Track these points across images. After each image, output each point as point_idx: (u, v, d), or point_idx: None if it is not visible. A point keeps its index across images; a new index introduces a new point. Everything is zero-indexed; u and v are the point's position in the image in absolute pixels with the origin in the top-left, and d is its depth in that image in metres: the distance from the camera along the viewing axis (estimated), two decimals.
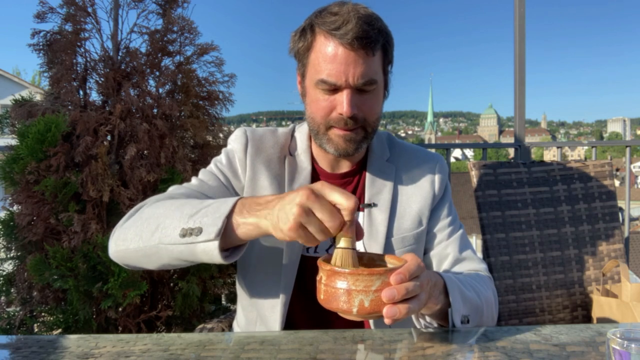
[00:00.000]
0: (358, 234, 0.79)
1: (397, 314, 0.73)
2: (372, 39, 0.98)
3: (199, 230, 0.82)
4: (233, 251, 0.87)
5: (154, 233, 0.88)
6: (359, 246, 1.08)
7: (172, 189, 1.06)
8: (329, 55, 0.99)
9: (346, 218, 0.74)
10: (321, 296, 0.77)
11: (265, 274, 1.10)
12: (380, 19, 1.03)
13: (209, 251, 0.82)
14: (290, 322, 1.09)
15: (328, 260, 0.79)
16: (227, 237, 0.83)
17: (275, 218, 0.77)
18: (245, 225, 0.82)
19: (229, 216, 0.82)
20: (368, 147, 1.17)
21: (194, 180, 1.11)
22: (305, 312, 1.08)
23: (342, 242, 0.77)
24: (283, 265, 1.08)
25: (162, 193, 1.04)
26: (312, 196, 0.74)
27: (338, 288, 0.74)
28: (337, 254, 0.77)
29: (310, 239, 0.76)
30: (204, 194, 1.05)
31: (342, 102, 1.00)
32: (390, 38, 1.06)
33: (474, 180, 1.93)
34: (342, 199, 0.74)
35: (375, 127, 1.08)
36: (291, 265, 1.08)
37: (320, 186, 0.76)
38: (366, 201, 1.11)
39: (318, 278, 0.79)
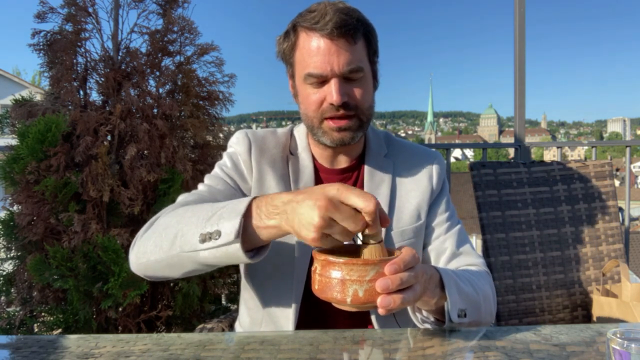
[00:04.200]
0: (383, 222, 0.77)
1: (392, 304, 0.73)
2: (352, 27, 1.00)
3: (218, 234, 0.81)
4: (257, 251, 0.86)
5: (174, 242, 0.88)
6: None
7: (183, 197, 1.06)
8: (313, 49, 1.01)
9: (368, 219, 0.73)
10: (315, 286, 0.77)
11: (275, 273, 1.10)
12: (358, 10, 1.05)
13: (232, 253, 0.81)
14: (300, 320, 1.09)
15: (323, 251, 0.78)
16: (247, 238, 0.83)
17: (296, 226, 0.76)
18: (267, 229, 0.81)
19: (245, 216, 0.82)
20: (366, 144, 1.18)
21: (200, 186, 1.11)
22: (315, 309, 1.08)
23: (368, 238, 0.76)
24: (295, 263, 1.08)
25: (175, 203, 1.03)
26: (330, 206, 0.72)
27: (332, 278, 0.74)
28: (365, 252, 0.77)
29: (334, 244, 0.76)
30: (214, 198, 1.05)
31: (331, 92, 1.01)
32: (372, 28, 1.07)
33: (474, 180, 1.93)
34: (361, 203, 0.72)
35: (369, 116, 1.09)
36: (302, 263, 1.08)
37: (337, 191, 0.74)
38: None
39: (313, 268, 0.78)
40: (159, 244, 0.91)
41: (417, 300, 0.79)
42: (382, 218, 0.77)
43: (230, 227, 0.80)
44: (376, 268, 0.73)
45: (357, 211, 0.73)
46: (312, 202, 0.73)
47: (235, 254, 0.81)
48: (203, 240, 0.83)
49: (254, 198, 0.84)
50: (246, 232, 0.82)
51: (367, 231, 0.75)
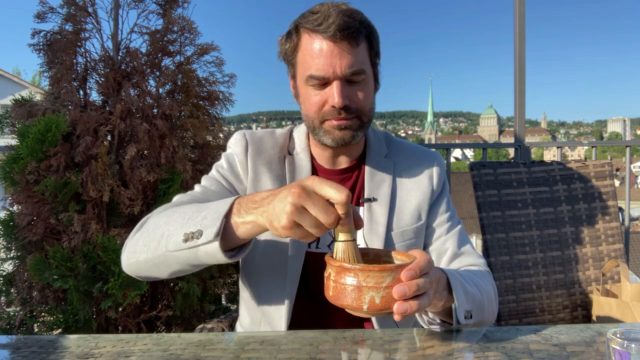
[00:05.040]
0: (357, 223, 0.78)
1: (408, 310, 0.73)
2: (355, 30, 1.00)
3: (200, 233, 0.82)
4: (239, 250, 0.87)
5: (160, 242, 0.89)
6: (359, 238, 1.08)
7: (177, 198, 1.07)
8: (315, 50, 1.01)
9: (340, 212, 0.73)
10: (330, 293, 0.76)
11: (269, 272, 1.10)
12: (361, 12, 1.05)
13: (212, 253, 0.82)
14: (295, 319, 1.09)
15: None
16: (229, 237, 0.83)
17: (270, 216, 0.77)
18: (245, 225, 0.82)
19: (228, 215, 0.82)
20: (366, 144, 1.18)
21: (197, 187, 1.12)
22: (310, 308, 1.09)
23: (341, 236, 0.76)
24: (288, 262, 1.08)
25: (168, 203, 1.04)
26: (303, 193, 0.73)
27: (348, 285, 0.73)
28: (338, 248, 0.76)
29: (306, 236, 0.75)
30: (207, 199, 1.05)
31: (333, 94, 1.01)
32: (374, 30, 1.08)
33: (474, 180, 1.93)
34: (334, 193, 0.73)
35: (370, 117, 1.09)
36: (296, 262, 1.08)
37: (311, 182, 0.75)
38: (366, 196, 1.12)
39: (326, 274, 0.78)
40: (147, 244, 0.92)
41: (430, 304, 0.79)
42: (356, 219, 0.77)
43: (211, 227, 0.81)
44: (393, 274, 0.73)
45: (330, 204, 0.73)
46: (286, 192, 0.74)
47: (213, 253, 0.82)
48: (186, 240, 0.84)
49: (237, 198, 0.85)
50: (227, 231, 0.82)
51: (339, 226, 0.75)
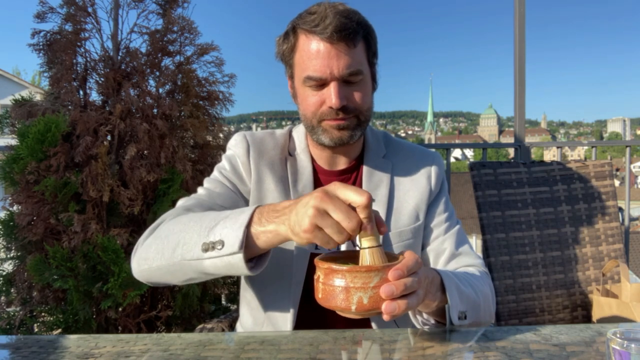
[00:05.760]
0: (381, 229, 0.78)
1: (396, 310, 0.73)
2: (351, 31, 1.00)
3: (221, 243, 0.82)
4: (257, 261, 0.87)
5: (175, 250, 0.88)
6: (358, 238, 1.08)
7: (183, 202, 1.06)
8: (312, 52, 1.01)
9: (361, 215, 0.73)
10: (319, 295, 0.77)
11: (274, 274, 1.09)
12: (358, 12, 1.05)
13: (235, 264, 0.81)
14: (299, 321, 1.09)
15: (326, 259, 0.78)
16: (249, 247, 0.83)
17: (292, 222, 0.76)
18: (265, 234, 0.81)
19: (249, 226, 0.82)
20: (364, 144, 1.18)
21: (200, 190, 1.11)
22: (315, 310, 1.08)
23: (365, 242, 0.76)
24: (293, 264, 1.08)
25: (175, 208, 1.03)
26: (325, 197, 0.73)
27: (336, 286, 0.73)
28: (363, 256, 0.76)
29: (328, 241, 0.75)
30: (214, 202, 1.05)
31: (331, 95, 1.01)
32: (371, 30, 1.08)
33: (474, 180, 1.93)
34: (354, 196, 0.73)
35: (368, 117, 1.09)
36: (301, 264, 1.08)
37: (334, 186, 0.75)
38: None
39: (316, 277, 0.78)
40: (160, 251, 0.91)
41: (420, 304, 0.79)
42: (379, 224, 0.77)
43: (234, 237, 0.81)
44: (380, 274, 0.73)
45: (352, 208, 0.73)
46: (309, 197, 0.75)
47: (236, 264, 0.81)
48: (206, 250, 0.83)
49: (257, 207, 0.85)
50: (247, 241, 0.82)
51: (362, 233, 0.75)
